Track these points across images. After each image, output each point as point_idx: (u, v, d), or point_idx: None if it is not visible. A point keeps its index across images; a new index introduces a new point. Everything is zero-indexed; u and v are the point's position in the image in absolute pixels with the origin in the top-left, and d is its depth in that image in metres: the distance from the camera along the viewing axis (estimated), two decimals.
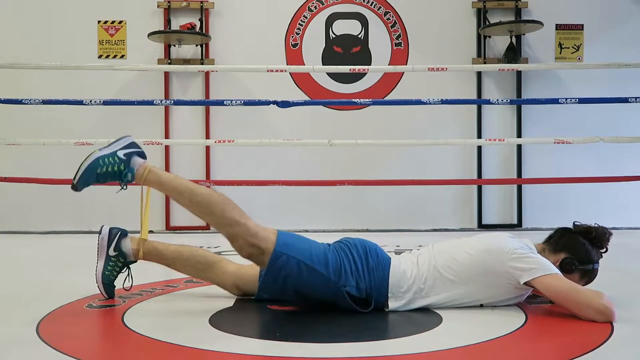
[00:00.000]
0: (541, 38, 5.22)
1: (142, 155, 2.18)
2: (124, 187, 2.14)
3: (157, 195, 5.03)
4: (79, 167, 2.08)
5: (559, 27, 5.28)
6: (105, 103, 4.43)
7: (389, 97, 5.25)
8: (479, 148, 5.24)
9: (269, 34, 5.26)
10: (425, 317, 2.03)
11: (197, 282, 2.51)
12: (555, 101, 4.43)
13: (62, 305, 2.19)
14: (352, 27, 5.31)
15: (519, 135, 5.20)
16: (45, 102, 4.38)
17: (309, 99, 5.21)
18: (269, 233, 2.08)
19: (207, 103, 5.13)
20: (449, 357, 1.69)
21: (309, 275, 2.03)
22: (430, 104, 4.31)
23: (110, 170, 2.09)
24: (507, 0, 5.19)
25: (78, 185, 2.09)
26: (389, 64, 5.27)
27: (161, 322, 2.04)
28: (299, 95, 5.20)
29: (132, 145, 2.17)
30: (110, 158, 2.10)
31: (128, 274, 2.25)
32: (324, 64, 5.25)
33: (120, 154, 2.12)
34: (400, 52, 5.31)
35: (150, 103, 4.60)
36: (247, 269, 2.28)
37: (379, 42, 5.30)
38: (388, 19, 5.30)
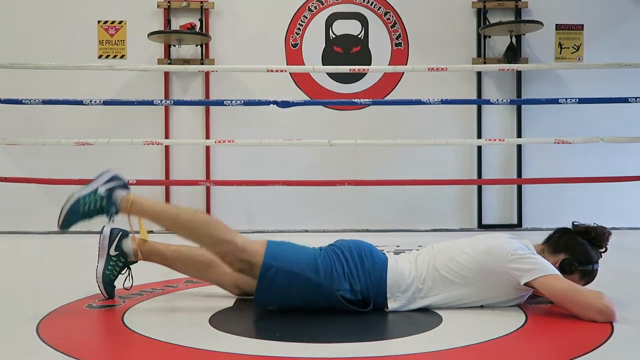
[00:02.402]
0: (541, 38, 5.21)
1: (124, 186, 2.19)
2: (111, 221, 2.16)
3: (158, 195, 5.07)
4: (61, 210, 2.10)
5: (559, 27, 5.28)
6: (105, 103, 4.43)
7: (389, 97, 5.25)
8: (479, 148, 5.24)
9: (269, 34, 5.26)
10: (425, 317, 2.03)
11: (197, 282, 2.51)
12: (555, 101, 4.43)
13: (62, 305, 2.19)
14: (352, 27, 5.30)
15: (519, 135, 5.20)
16: (45, 102, 4.37)
17: (309, 99, 5.21)
18: (258, 246, 2.09)
19: (207, 103, 5.13)
20: (449, 357, 1.69)
21: (300, 284, 2.03)
22: (430, 104, 4.31)
23: (93, 208, 2.11)
24: (507, 0, 5.19)
25: (63, 227, 2.11)
26: (389, 64, 5.26)
27: (161, 322, 2.04)
28: (299, 95, 5.20)
29: (114, 179, 2.19)
30: (90, 196, 2.12)
31: (128, 274, 2.26)
32: (324, 64, 5.25)
33: (102, 190, 2.14)
34: (400, 52, 5.31)
35: (150, 103, 4.60)
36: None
37: (379, 42, 5.30)
38: (388, 19, 5.30)
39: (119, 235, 2.24)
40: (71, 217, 2.10)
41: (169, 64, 5.13)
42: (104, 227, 2.25)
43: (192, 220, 2.12)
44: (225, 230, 2.10)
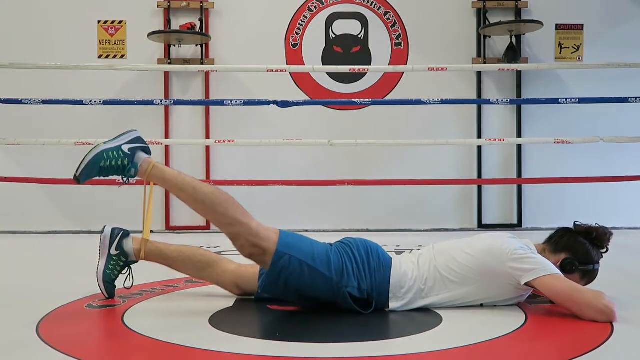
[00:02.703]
0: (541, 38, 5.21)
1: (147, 150, 2.16)
2: (126, 182, 2.11)
3: (158, 195, 5.07)
4: (83, 159, 2.06)
5: (559, 27, 5.28)
6: (105, 103, 4.43)
7: (389, 97, 5.25)
8: (479, 148, 5.24)
9: (269, 34, 5.26)
10: (425, 317, 2.03)
11: (197, 282, 2.51)
12: (555, 101, 4.43)
13: (62, 305, 2.19)
14: (352, 27, 5.30)
15: (519, 135, 5.20)
16: (45, 102, 4.38)
17: (309, 99, 5.21)
18: (271, 233, 2.07)
19: (207, 103, 5.13)
20: (449, 357, 1.69)
21: (310, 276, 2.02)
22: (430, 104, 4.30)
23: (114, 165, 2.07)
24: (507, 0, 5.19)
25: (80, 177, 2.06)
26: (389, 64, 5.26)
27: (161, 322, 2.04)
28: (299, 95, 5.20)
29: (138, 140, 2.16)
30: (114, 152, 2.08)
31: (129, 274, 2.25)
32: (324, 64, 5.25)
33: (125, 148, 2.11)
34: (400, 52, 5.31)
35: (150, 103, 4.60)
36: (247, 267, 2.28)
37: (379, 42, 5.30)
38: (388, 19, 5.30)
39: (119, 235, 2.23)
40: (91, 169, 2.05)
41: (169, 63, 5.13)
42: (104, 226, 2.25)
43: (212, 196, 2.08)
44: (243, 213, 2.08)
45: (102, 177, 2.11)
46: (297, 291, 2.06)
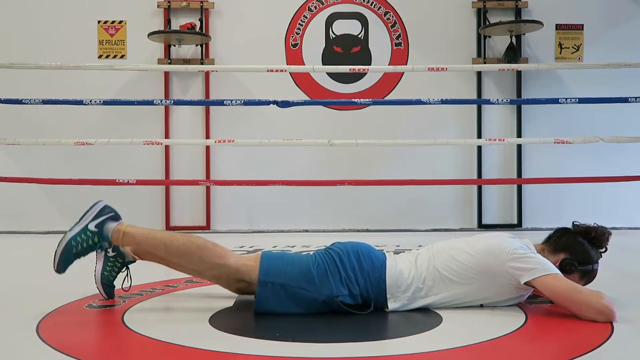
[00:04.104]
0: (541, 38, 5.22)
1: (115, 218, 2.18)
2: (107, 253, 2.17)
3: (158, 195, 5.07)
4: (55, 253, 2.12)
5: (559, 27, 5.28)
6: (105, 103, 4.42)
7: (389, 97, 5.25)
8: (479, 148, 5.24)
9: (269, 34, 5.26)
10: (425, 317, 2.03)
11: (197, 282, 2.51)
12: (555, 101, 4.42)
13: (62, 305, 2.19)
14: (352, 27, 5.30)
15: (519, 135, 5.20)
16: (45, 102, 4.37)
17: (309, 99, 5.21)
18: (252, 263, 2.09)
19: (207, 103, 5.13)
20: (449, 357, 1.69)
21: (297, 296, 2.04)
22: (430, 104, 4.30)
23: (86, 246, 2.13)
24: (507, 0, 5.19)
25: (60, 269, 2.12)
26: (389, 64, 5.26)
27: (161, 322, 2.04)
28: (299, 95, 5.20)
29: (104, 211, 2.18)
30: (81, 235, 2.13)
31: (127, 274, 2.25)
32: (324, 64, 5.25)
33: (91, 226, 2.15)
34: (400, 52, 5.30)
35: (150, 103, 4.60)
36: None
37: (379, 42, 5.30)
38: (388, 19, 5.30)
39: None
40: (66, 259, 2.11)
41: (169, 64, 5.13)
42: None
43: (184, 248, 2.12)
44: (219, 255, 2.11)
45: (83, 258, 2.15)
46: (291, 310, 2.06)
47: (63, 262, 2.11)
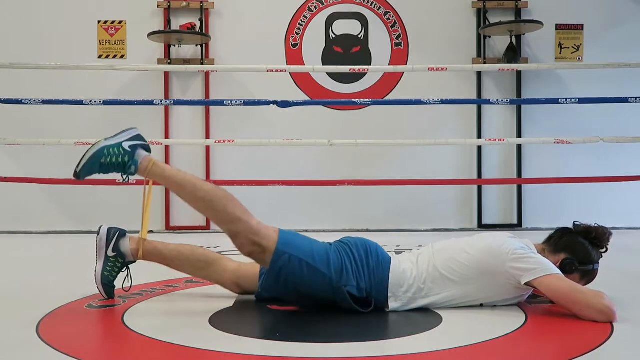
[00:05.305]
0: (541, 38, 5.22)
1: (147, 148, 2.16)
2: (126, 179, 2.10)
3: (158, 195, 5.07)
4: (84, 155, 2.05)
5: (559, 27, 5.28)
6: (105, 103, 4.43)
7: (389, 97, 5.25)
8: (479, 148, 5.24)
9: (269, 34, 5.26)
10: (425, 317, 2.03)
11: (197, 282, 2.51)
12: (555, 101, 4.43)
13: (62, 305, 2.19)
14: (352, 27, 5.31)
15: (519, 135, 5.20)
16: (45, 102, 4.38)
17: (309, 99, 5.21)
18: (271, 231, 2.07)
19: (207, 103, 5.13)
20: (449, 357, 1.69)
21: (310, 275, 2.02)
22: (430, 104, 4.31)
23: (115, 161, 2.06)
24: (507, 0, 5.19)
25: (81, 173, 2.05)
26: (389, 64, 5.27)
27: (161, 322, 2.04)
28: (299, 95, 5.20)
29: (138, 137, 2.15)
30: (115, 149, 2.07)
31: (127, 274, 2.24)
32: (324, 64, 5.25)
33: (126, 145, 2.09)
34: (400, 52, 5.31)
35: (150, 103, 4.60)
36: (248, 266, 2.28)
37: (379, 42, 5.30)
38: (388, 19, 5.30)
39: (116, 236, 2.21)
40: (92, 165, 2.04)
41: (169, 64, 5.13)
42: (100, 227, 2.22)
43: (211, 194, 2.08)
44: (243, 211, 2.08)
45: (102, 174, 2.10)
46: (296, 290, 2.05)
47: (88, 168, 2.04)
